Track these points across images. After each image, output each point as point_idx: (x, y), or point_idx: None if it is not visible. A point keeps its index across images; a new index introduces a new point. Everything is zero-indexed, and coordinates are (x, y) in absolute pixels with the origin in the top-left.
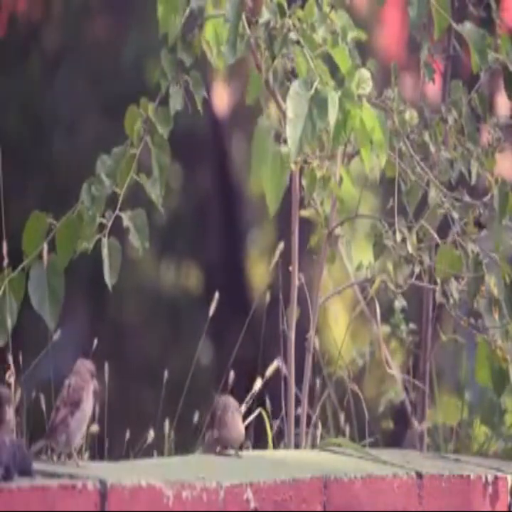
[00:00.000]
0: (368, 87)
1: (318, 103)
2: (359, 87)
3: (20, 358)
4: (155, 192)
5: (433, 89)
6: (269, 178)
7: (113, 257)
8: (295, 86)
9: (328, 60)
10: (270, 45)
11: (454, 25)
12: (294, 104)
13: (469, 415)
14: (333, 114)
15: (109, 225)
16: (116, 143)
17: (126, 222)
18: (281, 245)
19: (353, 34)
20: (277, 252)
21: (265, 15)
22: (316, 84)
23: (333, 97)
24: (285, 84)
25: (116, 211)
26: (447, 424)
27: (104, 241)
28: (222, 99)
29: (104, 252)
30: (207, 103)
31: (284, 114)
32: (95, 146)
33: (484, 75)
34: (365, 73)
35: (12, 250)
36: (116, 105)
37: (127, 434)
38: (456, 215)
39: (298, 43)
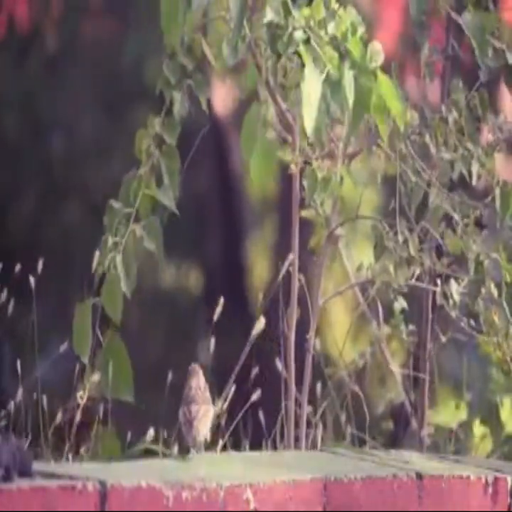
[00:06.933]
0: (380, 59)
1: (331, 85)
2: (372, 61)
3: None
4: (168, 199)
5: (432, 89)
6: (257, 165)
7: (129, 270)
8: (307, 71)
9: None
10: (273, 44)
11: (454, 15)
12: (308, 87)
13: (469, 416)
14: (350, 94)
15: (124, 242)
16: (115, 143)
17: (139, 232)
18: (290, 256)
19: (362, 30)
20: (286, 263)
21: (269, 14)
22: (327, 68)
23: (349, 77)
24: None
25: (130, 227)
26: (447, 424)
27: (118, 260)
28: (222, 98)
29: (120, 269)
30: (207, 103)
31: (282, 113)
32: (95, 146)
33: (484, 74)
34: (376, 45)
35: (11, 249)
36: (117, 105)
37: (128, 435)
38: (457, 216)
39: (306, 41)
